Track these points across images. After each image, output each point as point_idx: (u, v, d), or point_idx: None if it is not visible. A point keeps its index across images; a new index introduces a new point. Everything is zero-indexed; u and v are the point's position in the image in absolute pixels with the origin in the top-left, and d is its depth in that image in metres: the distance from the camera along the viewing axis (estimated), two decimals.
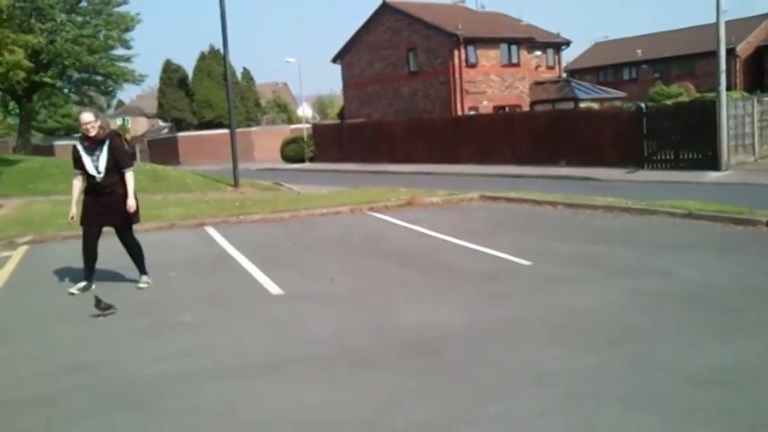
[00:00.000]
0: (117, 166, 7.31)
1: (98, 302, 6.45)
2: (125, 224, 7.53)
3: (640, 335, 5.40)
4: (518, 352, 5.13)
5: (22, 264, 9.40)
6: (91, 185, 7.36)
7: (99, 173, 7.24)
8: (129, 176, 7.40)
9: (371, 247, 9.80)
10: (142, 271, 7.73)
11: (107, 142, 7.25)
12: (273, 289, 7.35)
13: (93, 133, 7.20)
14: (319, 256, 9.21)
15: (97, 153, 7.23)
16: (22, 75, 24.13)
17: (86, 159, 7.25)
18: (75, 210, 7.54)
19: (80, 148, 7.30)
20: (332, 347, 5.40)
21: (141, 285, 7.62)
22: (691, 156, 21.76)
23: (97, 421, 4.21)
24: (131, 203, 7.31)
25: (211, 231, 11.31)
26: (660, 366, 4.70)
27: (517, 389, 4.43)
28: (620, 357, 4.92)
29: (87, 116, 7.26)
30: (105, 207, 7.34)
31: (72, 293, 7.34)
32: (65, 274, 8.63)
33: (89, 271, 7.54)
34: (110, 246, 7.96)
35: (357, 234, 10.92)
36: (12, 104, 38.30)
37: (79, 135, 7.23)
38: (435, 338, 5.49)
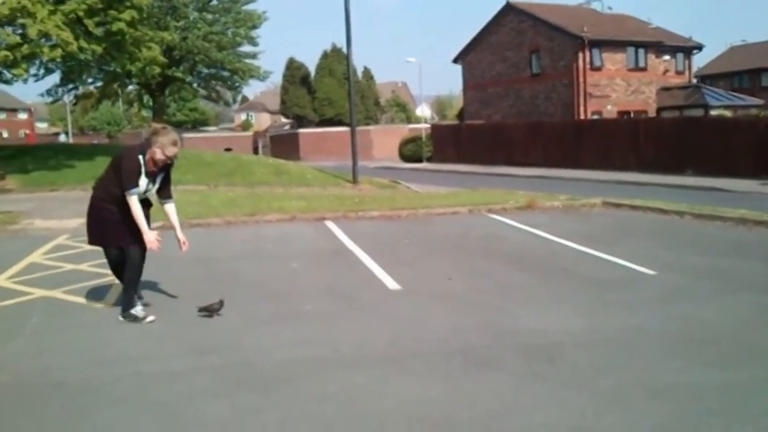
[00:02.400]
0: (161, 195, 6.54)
1: (210, 307, 6.36)
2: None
3: None
4: (638, 362, 4.96)
5: None
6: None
7: (142, 196, 6.30)
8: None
9: (489, 248, 9.73)
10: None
11: (168, 169, 6.44)
12: (392, 284, 7.43)
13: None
14: (437, 255, 9.23)
15: (156, 179, 6.38)
16: (157, 70, 25.34)
17: (143, 182, 6.18)
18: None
19: (143, 169, 6.20)
20: (450, 345, 5.40)
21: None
22: None
23: (221, 400, 4.38)
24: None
25: (331, 225, 11.53)
26: None
27: (636, 399, 4.29)
28: (748, 376, 4.67)
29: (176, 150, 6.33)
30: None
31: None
32: (192, 259, 9.03)
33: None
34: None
35: (475, 235, 10.87)
36: (146, 98, 40.31)
37: (142, 155, 6.13)
38: (554, 343, 5.39)
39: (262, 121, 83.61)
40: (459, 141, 38.14)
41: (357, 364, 5.02)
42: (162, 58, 24.88)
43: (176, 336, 5.80)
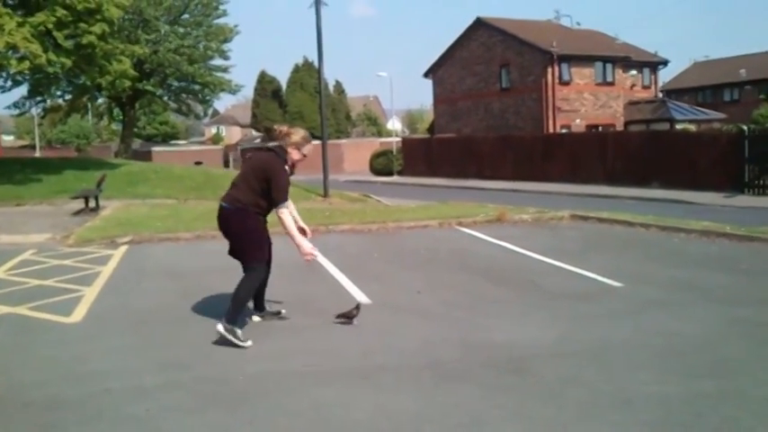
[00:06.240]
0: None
1: (348, 314, 6.37)
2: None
3: (738, 365, 5.22)
4: (608, 374, 5.04)
5: (123, 262, 9.81)
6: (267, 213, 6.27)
7: None
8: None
9: (459, 261, 9.79)
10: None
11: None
12: (361, 298, 7.45)
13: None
14: (407, 269, 9.27)
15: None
16: (127, 83, 25.21)
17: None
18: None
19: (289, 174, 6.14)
20: (419, 358, 5.43)
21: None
22: None
23: (191, 416, 4.38)
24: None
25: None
26: (759, 400, 4.53)
27: (606, 411, 4.36)
28: (715, 387, 4.75)
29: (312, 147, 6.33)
30: None
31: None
32: (162, 273, 9.00)
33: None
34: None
35: (445, 248, 10.93)
36: (116, 111, 40.01)
37: (285, 163, 6.09)
38: (523, 356, 5.45)
39: (233, 134, 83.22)
40: (429, 155, 38.32)
41: (327, 377, 5.04)
42: (132, 72, 24.74)
43: (146, 350, 5.77)
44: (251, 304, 6.53)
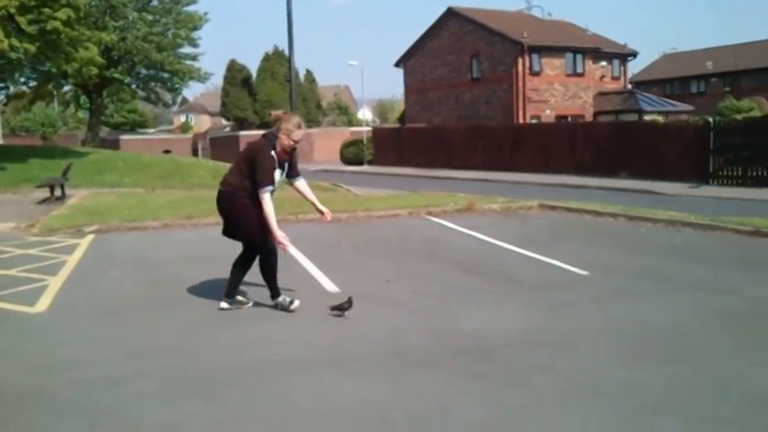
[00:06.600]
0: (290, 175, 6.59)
1: (341, 306, 6.30)
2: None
3: (705, 351, 5.30)
4: (576, 362, 5.09)
5: (89, 251, 9.68)
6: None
7: (278, 185, 6.41)
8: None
9: (429, 250, 9.81)
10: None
11: (293, 152, 6.47)
12: (330, 287, 7.44)
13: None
14: (376, 258, 9.28)
15: (284, 165, 6.43)
16: (94, 71, 24.81)
17: (277, 174, 6.27)
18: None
19: (276, 163, 6.25)
20: (389, 347, 5.44)
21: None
22: (760, 173, 21.25)
23: (162, 405, 4.35)
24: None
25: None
26: (725, 385, 4.61)
27: (574, 397, 4.40)
28: (682, 373, 4.83)
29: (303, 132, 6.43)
30: None
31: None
32: (130, 262, 8.91)
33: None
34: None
35: (415, 237, 10.95)
36: (83, 99, 39.40)
37: (273, 149, 6.20)
38: (492, 344, 5.48)
39: (202, 123, 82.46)
40: (400, 144, 38.33)
41: (297, 365, 5.03)
42: (100, 59, 24.38)
43: (113, 340, 5.70)
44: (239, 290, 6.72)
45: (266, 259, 6.41)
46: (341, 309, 6.28)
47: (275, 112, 6.56)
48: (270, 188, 6.13)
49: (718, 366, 4.95)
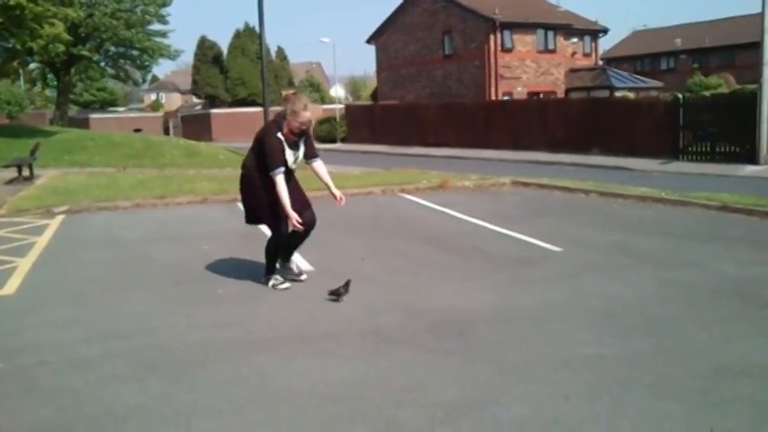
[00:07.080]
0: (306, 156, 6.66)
1: (337, 291, 6.19)
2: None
3: (671, 324, 5.38)
4: (547, 336, 5.14)
5: (59, 232, 9.57)
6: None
7: (294, 167, 6.56)
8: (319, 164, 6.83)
9: (402, 228, 9.83)
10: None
11: (306, 132, 6.53)
12: (304, 265, 7.43)
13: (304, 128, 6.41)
14: (350, 236, 9.27)
15: (299, 145, 6.50)
16: (61, 48, 24.42)
17: (289, 155, 6.35)
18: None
19: (284, 141, 6.30)
20: (362, 325, 5.46)
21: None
22: (728, 148, 21.45)
23: (131, 386, 4.32)
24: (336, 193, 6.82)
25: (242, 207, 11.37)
26: (690, 356, 4.69)
27: (545, 372, 4.45)
28: (649, 346, 4.90)
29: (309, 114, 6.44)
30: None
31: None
32: (101, 242, 8.82)
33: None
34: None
35: (388, 215, 10.96)
36: (50, 77, 38.76)
37: (279, 130, 6.27)
38: (465, 320, 5.52)
39: (172, 101, 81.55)
40: (373, 122, 38.23)
41: (269, 345, 5.03)
42: (66, 36, 23.99)
43: (85, 321, 5.65)
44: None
45: (275, 240, 6.58)
46: (336, 293, 6.17)
47: (286, 92, 6.60)
48: (281, 169, 6.19)
49: (685, 339, 5.02)
